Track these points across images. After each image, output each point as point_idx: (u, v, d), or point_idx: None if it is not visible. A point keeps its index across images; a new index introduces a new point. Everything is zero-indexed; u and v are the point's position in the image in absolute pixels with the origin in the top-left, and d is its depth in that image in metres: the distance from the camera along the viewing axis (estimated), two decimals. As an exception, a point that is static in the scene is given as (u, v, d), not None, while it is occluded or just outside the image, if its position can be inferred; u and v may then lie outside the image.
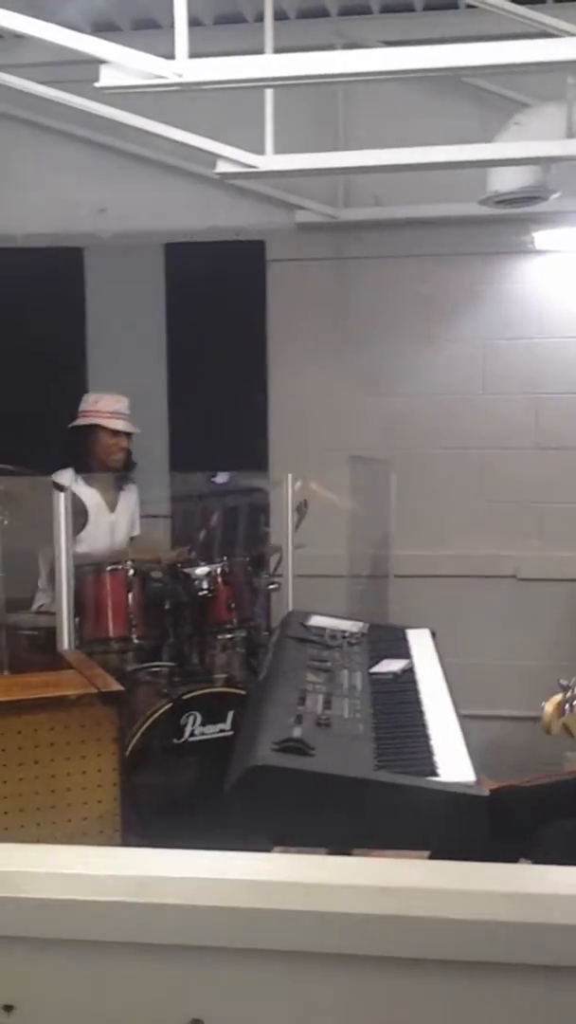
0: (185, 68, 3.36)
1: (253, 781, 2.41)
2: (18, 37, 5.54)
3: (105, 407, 5.14)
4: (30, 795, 2.76)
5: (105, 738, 2.80)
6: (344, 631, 3.79)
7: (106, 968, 0.91)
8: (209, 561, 4.79)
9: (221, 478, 6.19)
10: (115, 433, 5.12)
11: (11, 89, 5.56)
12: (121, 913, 0.92)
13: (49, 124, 6.01)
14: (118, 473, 5.22)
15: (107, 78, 3.39)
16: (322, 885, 1.00)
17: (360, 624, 3.91)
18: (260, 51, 4.10)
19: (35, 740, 2.78)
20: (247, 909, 0.93)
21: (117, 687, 2.86)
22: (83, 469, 5.14)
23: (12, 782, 2.75)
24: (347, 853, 2.30)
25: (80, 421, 5.16)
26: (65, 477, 4.97)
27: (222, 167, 4.39)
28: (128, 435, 5.18)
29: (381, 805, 2.41)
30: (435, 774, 2.44)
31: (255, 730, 2.63)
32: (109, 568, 4.66)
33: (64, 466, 5.11)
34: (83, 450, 5.14)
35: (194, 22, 3.68)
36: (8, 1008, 0.89)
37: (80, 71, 5.49)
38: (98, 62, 3.42)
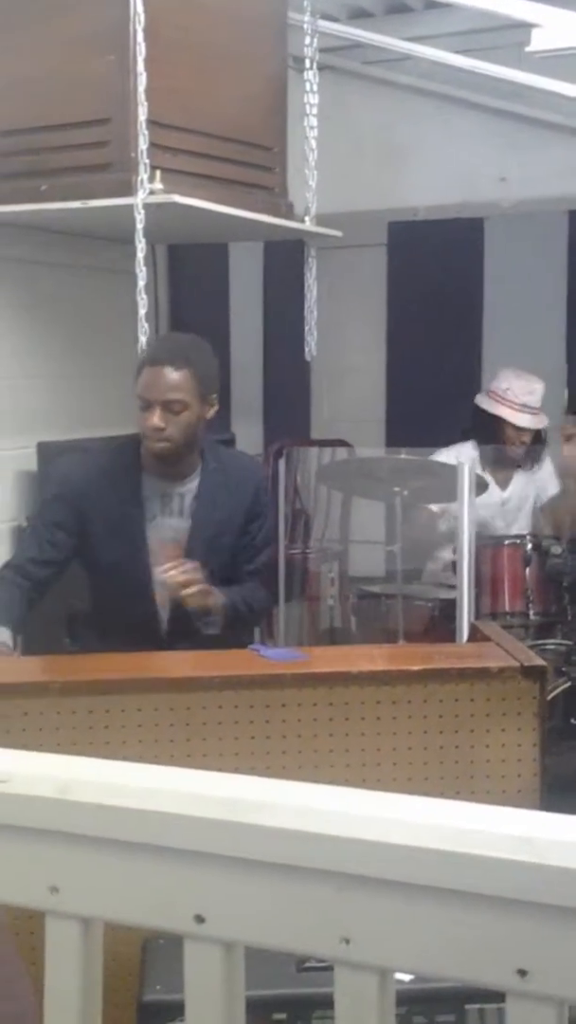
0: (622, 25, 3.23)
1: None
2: (428, 8, 5.61)
3: (515, 397, 4.82)
4: (450, 764, 2.77)
5: (526, 712, 2.76)
6: None
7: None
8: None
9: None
10: (518, 428, 4.86)
11: (415, 61, 5.60)
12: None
13: (450, 94, 5.96)
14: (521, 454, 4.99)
15: (538, 42, 3.31)
16: None
17: None
18: None
19: (455, 710, 2.77)
20: None
21: (540, 662, 2.80)
22: (484, 443, 4.96)
23: (432, 749, 2.76)
24: None
25: (487, 403, 4.90)
26: (466, 449, 4.87)
27: None
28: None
29: None
30: None
31: None
32: (507, 542, 4.61)
33: (465, 437, 4.97)
34: (485, 427, 4.91)
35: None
36: (522, 973, 0.89)
37: (486, 39, 5.48)
38: (527, 26, 3.35)
